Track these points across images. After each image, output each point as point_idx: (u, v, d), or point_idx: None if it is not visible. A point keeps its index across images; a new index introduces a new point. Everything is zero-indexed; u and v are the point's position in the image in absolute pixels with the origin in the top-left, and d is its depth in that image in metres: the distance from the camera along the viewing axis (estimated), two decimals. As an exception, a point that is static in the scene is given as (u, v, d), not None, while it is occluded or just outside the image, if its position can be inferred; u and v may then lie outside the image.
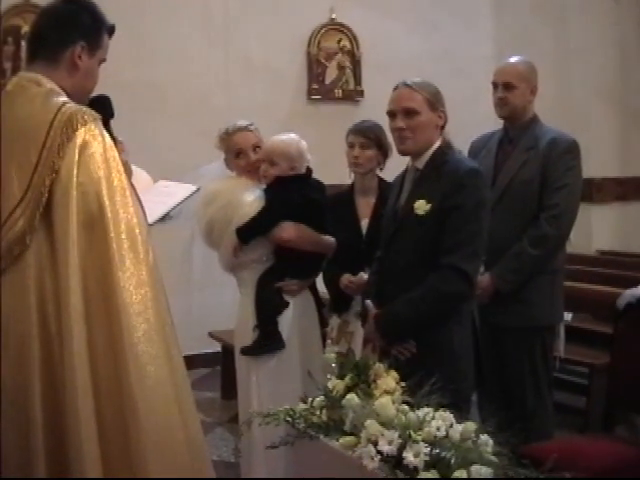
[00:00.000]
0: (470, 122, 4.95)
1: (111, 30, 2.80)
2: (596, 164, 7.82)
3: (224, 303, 4.24)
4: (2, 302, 2.43)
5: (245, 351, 3.87)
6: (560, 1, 8.21)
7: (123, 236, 2.45)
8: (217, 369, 6.87)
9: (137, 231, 2.50)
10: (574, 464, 3.31)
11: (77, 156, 2.45)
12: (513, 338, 4.09)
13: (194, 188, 3.22)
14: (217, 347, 6.67)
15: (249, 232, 3.79)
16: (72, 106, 2.54)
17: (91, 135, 2.49)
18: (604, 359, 4.62)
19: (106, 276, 2.43)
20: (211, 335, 6.65)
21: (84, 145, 2.47)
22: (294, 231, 3.86)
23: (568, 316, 4.70)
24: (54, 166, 2.44)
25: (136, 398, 2.39)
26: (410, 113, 3.32)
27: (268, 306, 3.83)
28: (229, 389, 5.25)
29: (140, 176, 3.04)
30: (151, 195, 3.04)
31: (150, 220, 2.90)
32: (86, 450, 2.34)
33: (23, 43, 6.75)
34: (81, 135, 2.47)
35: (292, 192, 3.85)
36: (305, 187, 3.94)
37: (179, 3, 7.56)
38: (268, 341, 3.81)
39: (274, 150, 3.89)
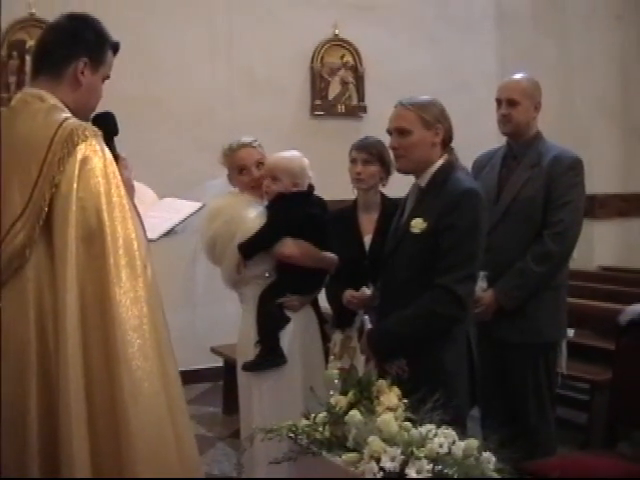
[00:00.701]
0: (473, 137, 4.96)
1: (115, 47, 2.82)
2: (599, 180, 7.83)
3: (226, 318, 4.25)
4: (2, 315, 2.44)
5: (247, 367, 3.88)
6: (563, 17, 8.24)
7: (121, 252, 2.47)
8: (219, 384, 6.85)
9: (135, 247, 2.51)
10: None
11: (77, 171, 2.47)
12: (516, 354, 4.08)
13: (199, 205, 3.23)
14: (219, 362, 6.66)
15: (251, 248, 3.81)
16: (73, 122, 2.56)
17: (92, 150, 2.51)
18: (605, 375, 4.62)
19: (103, 291, 2.44)
20: (213, 350, 6.64)
21: (84, 160, 2.49)
22: (296, 247, 3.87)
23: (570, 332, 4.68)
24: (54, 180, 2.46)
25: (129, 413, 2.40)
26: (402, 132, 3.35)
27: (270, 322, 3.85)
28: (231, 404, 5.25)
29: (145, 193, 3.05)
30: (156, 211, 3.05)
31: (155, 235, 2.91)
32: (78, 466, 2.34)
33: (27, 57, 6.78)
34: (82, 150, 2.49)
35: (294, 208, 3.88)
36: (307, 204, 3.96)
37: (183, 19, 7.58)
38: (270, 357, 3.82)
39: (277, 166, 3.91)
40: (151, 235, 2.83)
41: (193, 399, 6.93)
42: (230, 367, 5.45)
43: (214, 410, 6.66)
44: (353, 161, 4.00)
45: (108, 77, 2.81)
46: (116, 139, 2.79)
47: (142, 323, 2.47)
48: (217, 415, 6.57)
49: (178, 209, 3.18)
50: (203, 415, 6.54)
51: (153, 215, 2.94)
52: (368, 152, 3.96)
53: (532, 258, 4.03)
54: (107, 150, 2.58)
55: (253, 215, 3.86)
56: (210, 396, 7.03)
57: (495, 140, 4.35)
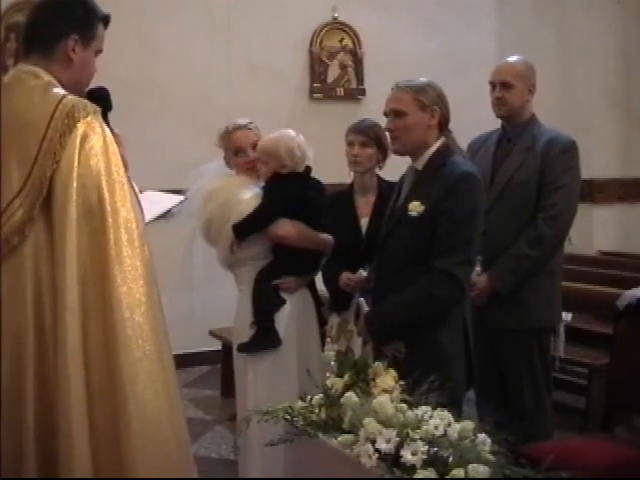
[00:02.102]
0: (472, 122, 4.95)
1: (106, 20, 2.77)
2: (598, 165, 7.83)
3: (225, 301, 4.25)
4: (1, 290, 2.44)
5: (242, 348, 3.89)
6: (563, 1, 8.21)
7: (121, 229, 2.46)
8: (217, 367, 6.87)
9: (134, 226, 2.50)
10: (572, 464, 3.29)
11: (78, 148, 2.46)
12: (511, 339, 4.09)
13: (181, 198, 3.24)
14: (218, 345, 6.67)
15: (245, 228, 3.81)
16: (73, 98, 2.55)
17: (92, 128, 2.50)
18: (604, 360, 4.63)
19: (103, 269, 2.44)
20: (211, 333, 6.65)
21: (85, 137, 2.48)
22: (291, 228, 3.87)
23: (568, 316, 4.69)
24: (55, 157, 2.45)
25: (127, 392, 2.40)
26: (398, 114, 3.35)
27: (265, 303, 3.85)
28: (229, 387, 5.26)
29: None
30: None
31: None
32: (77, 448, 2.35)
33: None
34: (82, 127, 2.48)
35: (290, 190, 3.88)
36: (303, 185, 3.96)
37: (182, 2, 7.56)
38: (265, 338, 3.83)
39: (263, 150, 3.93)
40: None
41: (191, 382, 6.96)
42: (228, 350, 5.46)
43: (212, 393, 6.68)
44: (350, 144, 3.99)
45: (101, 51, 2.78)
46: (115, 121, 2.77)
47: (141, 302, 2.47)
48: (215, 398, 6.59)
49: (159, 201, 3.19)
50: (201, 398, 6.56)
51: None
52: (365, 134, 3.95)
53: (526, 242, 4.03)
54: (107, 128, 2.57)
55: (248, 196, 3.86)
56: (208, 379, 7.06)
57: (494, 124, 4.34)
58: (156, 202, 3.20)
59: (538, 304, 4.11)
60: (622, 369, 3.95)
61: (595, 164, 7.72)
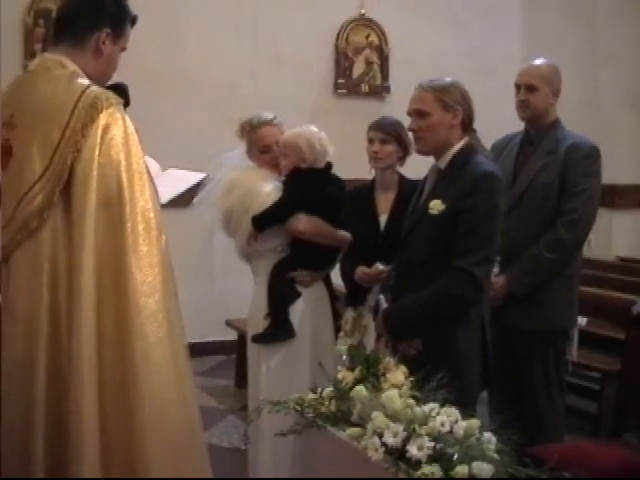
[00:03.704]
0: (497, 121, 4.96)
1: (133, 20, 2.87)
2: (620, 170, 7.82)
3: (243, 291, 4.28)
4: (15, 275, 2.53)
5: (255, 338, 3.93)
6: (591, 3, 8.18)
7: (139, 218, 2.52)
8: (233, 357, 6.91)
9: (152, 215, 2.56)
10: (579, 466, 3.33)
11: (99, 138, 2.52)
12: (526, 340, 4.09)
13: (203, 175, 3.30)
14: (234, 335, 6.71)
15: (264, 221, 3.85)
16: (96, 89, 2.61)
17: (114, 118, 2.56)
18: (617, 365, 4.62)
19: (119, 256, 2.49)
20: (228, 323, 6.69)
21: (106, 127, 2.54)
22: (309, 223, 3.91)
23: (583, 321, 4.70)
24: (77, 145, 2.51)
25: (139, 376, 2.46)
26: (422, 114, 3.38)
27: (280, 295, 3.89)
28: (243, 377, 5.28)
29: (149, 163, 3.12)
30: (161, 181, 3.12)
31: (163, 200, 2.97)
32: (86, 429, 2.40)
33: (54, 26, 6.81)
34: (104, 118, 2.54)
35: (309, 185, 3.91)
36: (323, 181, 3.99)
37: (210, -7, 7.60)
38: (278, 330, 3.87)
39: (285, 142, 3.96)
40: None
41: (206, 371, 7.00)
42: (243, 340, 5.49)
43: (226, 383, 6.72)
44: (370, 140, 4.01)
45: (125, 49, 2.87)
46: (141, 108, 2.82)
47: (156, 290, 2.52)
48: (229, 388, 6.63)
49: (183, 178, 3.24)
50: (215, 387, 6.60)
51: (158, 184, 3.00)
52: (385, 132, 3.97)
53: (544, 245, 4.04)
54: (128, 119, 2.62)
55: (269, 189, 3.89)
56: (223, 369, 7.10)
57: (518, 125, 4.34)
58: (179, 179, 3.26)
59: (555, 307, 4.11)
60: (633, 375, 3.95)
61: (617, 169, 7.71)
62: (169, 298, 2.58)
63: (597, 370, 5.33)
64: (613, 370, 4.85)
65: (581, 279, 4.42)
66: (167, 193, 3.06)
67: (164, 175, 3.24)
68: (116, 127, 2.56)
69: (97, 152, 2.51)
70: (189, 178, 3.29)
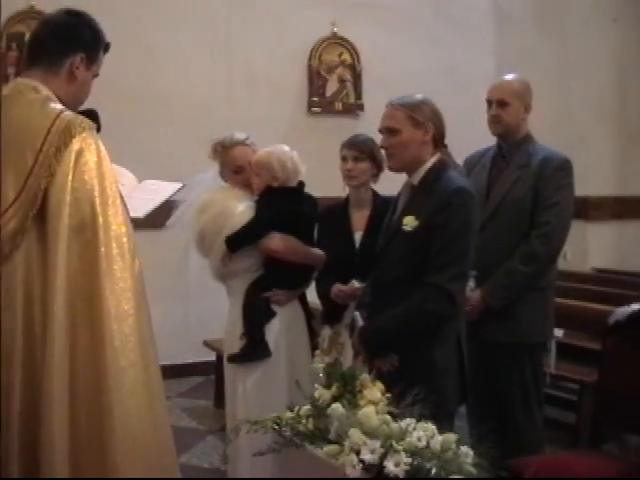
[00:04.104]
0: (471, 138, 4.98)
1: (107, 47, 2.89)
2: (594, 182, 7.89)
3: (219, 312, 4.27)
4: None
5: (231, 359, 3.93)
6: (561, 19, 8.27)
7: (113, 243, 2.52)
8: (211, 377, 6.89)
9: (125, 240, 2.56)
10: (559, 477, 3.34)
11: (73, 162, 2.53)
12: (503, 354, 4.11)
13: (179, 185, 3.31)
14: (212, 356, 6.69)
15: (238, 241, 3.84)
16: (70, 114, 2.62)
17: (87, 143, 2.57)
18: (594, 376, 4.64)
19: (93, 281, 2.49)
20: (206, 344, 6.67)
21: (80, 152, 2.55)
22: (282, 242, 3.90)
23: (559, 332, 4.72)
24: (51, 169, 2.51)
25: (113, 401, 2.45)
26: (392, 132, 3.40)
27: (255, 315, 3.88)
28: (222, 397, 5.25)
29: (125, 175, 3.13)
30: (138, 193, 3.12)
31: (141, 214, 2.99)
32: (57, 454, 2.40)
33: (27, 50, 6.81)
34: (78, 142, 2.55)
35: (282, 204, 3.91)
36: (296, 200, 3.99)
37: (183, 15, 7.62)
38: (254, 349, 3.86)
39: (257, 162, 3.96)
40: (137, 214, 2.90)
41: (185, 392, 6.99)
42: (221, 361, 5.46)
43: (206, 403, 6.71)
44: (344, 159, 4.03)
45: (97, 75, 2.88)
46: (115, 130, 2.83)
47: (129, 315, 2.52)
48: (208, 408, 6.61)
49: (159, 190, 3.25)
50: (195, 408, 6.58)
51: (135, 196, 3.01)
52: (358, 149, 3.99)
53: (519, 258, 4.06)
54: (101, 144, 2.63)
55: (241, 209, 3.89)
56: (202, 389, 7.08)
57: (492, 141, 4.37)
58: (156, 191, 3.27)
59: (531, 319, 4.13)
60: (610, 385, 3.97)
61: (591, 182, 7.78)
62: (142, 322, 2.57)
63: (574, 381, 5.35)
64: (590, 381, 4.87)
65: (557, 291, 4.44)
66: (145, 206, 3.08)
67: (140, 187, 3.25)
68: (89, 152, 2.56)
69: (70, 177, 2.51)
70: (166, 189, 3.29)
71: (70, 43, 2.77)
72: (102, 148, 2.61)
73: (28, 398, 2.47)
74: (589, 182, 7.67)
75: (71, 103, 2.75)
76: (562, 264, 4.42)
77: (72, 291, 2.47)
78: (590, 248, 8.06)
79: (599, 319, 5.08)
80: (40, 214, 2.52)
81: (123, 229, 2.57)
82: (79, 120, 2.61)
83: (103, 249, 2.50)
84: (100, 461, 2.45)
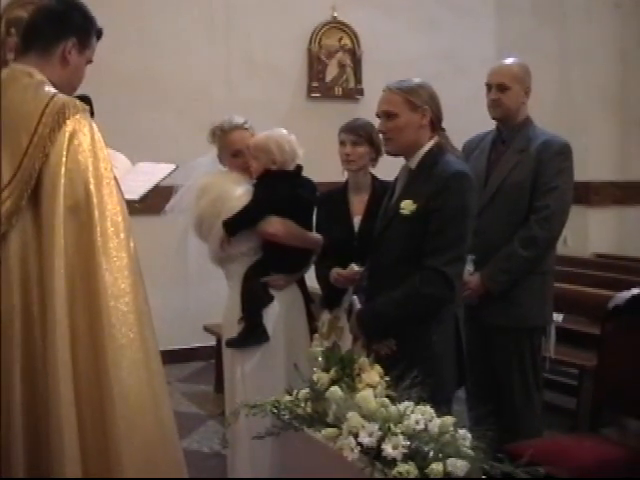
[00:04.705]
0: (471, 122, 4.98)
1: (99, 33, 2.96)
2: (595, 167, 7.87)
3: (220, 296, 4.27)
4: None
5: (229, 343, 3.93)
6: (562, 3, 8.23)
7: (108, 223, 2.58)
8: (212, 362, 6.90)
9: (120, 219, 2.61)
10: (557, 461, 3.35)
11: (66, 144, 2.60)
12: (502, 338, 4.13)
13: (173, 166, 3.34)
14: (212, 340, 6.70)
15: (235, 225, 3.84)
16: (63, 97, 2.68)
17: (80, 125, 2.64)
18: (594, 361, 4.64)
19: (89, 259, 2.54)
20: (206, 329, 6.68)
21: (74, 134, 2.61)
22: (280, 226, 3.90)
23: (559, 317, 4.72)
24: (45, 150, 2.58)
25: (111, 378, 2.50)
26: (389, 116, 3.39)
27: (253, 299, 3.88)
28: (222, 382, 5.28)
29: (119, 159, 3.16)
30: (132, 175, 3.17)
31: (136, 196, 3.06)
32: (66, 433, 2.45)
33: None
34: (71, 124, 2.62)
35: (279, 188, 3.90)
36: (293, 184, 3.98)
37: (182, -1, 7.60)
38: (252, 334, 3.86)
39: (255, 145, 3.95)
40: (132, 196, 2.94)
41: (186, 377, 7.00)
42: (221, 345, 5.48)
43: (206, 388, 6.73)
44: (342, 143, 4.02)
45: (91, 61, 2.95)
46: (113, 115, 2.85)
47: (126, 292, 2.58)
48: (209, 393, 6.63)
49: (153, 172, 3.28)
50: (195, 393, 6.60)
51: (129, 179, 3.04)
52: (356, 134, 3.98)
53: (519, 242, 4.06)
54: (95, 125, 2.68)
55: (239, 193, 3.88)
56: (203, 374, 7.10)
57: (492, 125, 4.36)
58: (150, 172, 3.30)
59: (530, 303, 4.14)
60: (609, 370, 3.97)
61: (592, 167, 7.77)
62: (139, 301, 2.62)
63: (574, 366, 5.37)
64: (590, 365, 4.87)
65: (558, 276, 4.45)
66: (140, 188, 3.13)
67: (134, 170, 3.29)
68: (83, 133, 2.62)
69: (64, 158, 2.57)
70: (160, 170, 3.33)
71: (62, 28, 2.83)
72: (96, 130, 2.67)
73: (28, 378, 2.51)
74: (590, 167, 7.66)
75: (65, 88, 2.80)
76: (563, 249, 4.42)
77: (69, 270, 2.52)
78: (591, 233, 8.06)
79: (599, 304, 5.07)
80: (35, 195, 2.57)
81: (117, 208, 2.63)
82: (73, 102, 2.67)
83: (98, 228, 2.56)
84: (103, 438, 2.51)
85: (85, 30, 2.89)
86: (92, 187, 2.57)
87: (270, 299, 3.91)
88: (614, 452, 3.71)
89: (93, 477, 2.50)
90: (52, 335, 2.47)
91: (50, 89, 2.71)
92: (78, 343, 2.51)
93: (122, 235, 2.61)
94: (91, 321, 2.52)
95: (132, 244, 2.65)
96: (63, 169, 2.56)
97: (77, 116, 2.63)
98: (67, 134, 2.59)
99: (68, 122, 2.60)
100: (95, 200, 2.56)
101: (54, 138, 2.58)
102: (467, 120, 5.21)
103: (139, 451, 2.55)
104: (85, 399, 2.50)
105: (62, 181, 2.55)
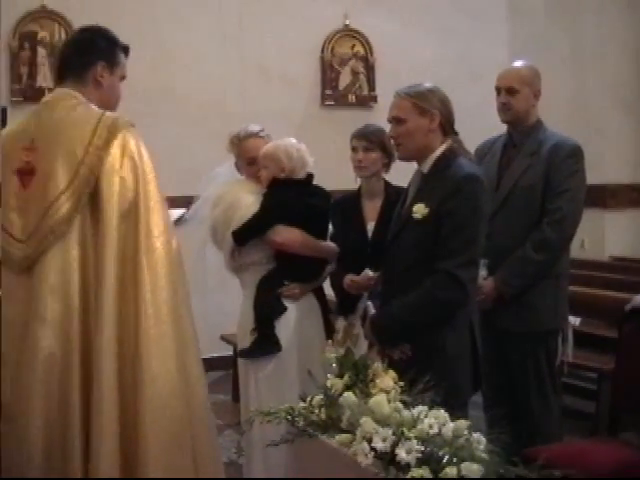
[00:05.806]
0: (484, 126, 4.96)
1: (126, 50, 3.24)
2: (610, 170, 7.83)
3: (237, 306, 4.27)
4: (43, 280, 2.82)
5: (242, 353, 3.94)
6: (575, 6, 8.21)
7: (151, 224, 2.89)
8: (230, 372, 6.89)
9: (162, 221, 2.93)
10: (575, 466, 3.32)
11: (119, 154, 2.90)
12: (517, 343, 4.10)
13: (183, 211, 3.54)
14: (230, 350, 6.70)
15: (243, 235, 3.84)
16: (113, 114, 3.02)
17: (130, 137, 2.95)
18: (612, 365, 4.61)
19: (134, 255, 2.85)
20: (223, 338, 6.68)
21: (125, 146, 2.93)
22: (288, 235, 3.87)
23: (576, 321, 4.70)
24: (101, 160, 2.87)
25: (143, 365, 2.80)
26: (399, 121, 3.42)
27: (266, 309, 3.86)
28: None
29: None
30: None
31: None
32: (106, 412, 2.73)
33: (39, 49, 6.91)
34: (122, 137, 2.93)
35: (287, 196, 3.88)
36: (302, 192, 3.96)
37: (194, 11, 7.65)
38: (264, 344, 3.83)
39: (264, 154, 3.95)
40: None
41: (204, 387, 6.98)
42: (238, 355, 5.49)
43: (224, 398, 6.73)
44: (354, 149, 4.04)
45: (124, 77, 3.24)
46: None
47: (162, 287, 2.87)
48: (227, 403, 6.63)
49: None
50: (213, 403, 6.46)
51: None
52: (368, 140, 3.99)
53: (531, 246, 4.04)
54: (140, 139, 3.00)
55: (250, 201, 3.88)
56: (221, 384, 7.07)
57: (505, 129, 4.36)
58: None
59: (544, 307, 4.11)
60: (627, 373, 3.95)
61: (607, 169, 7.73)
62: (176, 296, 2.93)
63: (593, 370, 5.33)
64: (609, 369, 4.83)
65: (575, 279, 4.43)
66: None
67: None
68: (132, 146, 2.94)
69: (118, 165, 2.89)
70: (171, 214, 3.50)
71: (89, 55, 3.11)
72: (142, 142, 2.99)
73: (86, 372, 2.78)
74: (606, 170, 7.62)
75: (104, 107, 3.07)
76: (580, 253, 4.39)
77: (120, 264, 2.83)
78: (607, 236, 8.01)
79: (617, 307, 5.05)
80: (92, 200, 2.87)
81: (161, 212, 2.94)
82: (122, 118, 2.98)
83: (144, 229, 2.87)
84: (133, 415, 2.78)
85: (111, 52, 3.15)
86: (141, 193, 2.89)
87: (283, 309, 3.88)
88: (634, 457, 3.68)
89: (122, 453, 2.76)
90: (101, 329, 2.76)
91: (98, 108, 3.01)
92: (125, 331, 2.80)
93: (164, 236, 2.91)
94: (133, 310, 2.81)
95: (174, 243, 2.98)
96: (117, 179, 2.87)
97: (127, 129, 2.95)
98: (120, 145, 2.91)
99: (119, 135, 2.92)
100: (142, 204, 2.88)
101: (108, 149, 2.88)
102: (481, 124, 5.19)
103: (164, 430, 2.80)
104: (125, 383, 2.78)
105: (116, 191, 2.85)
